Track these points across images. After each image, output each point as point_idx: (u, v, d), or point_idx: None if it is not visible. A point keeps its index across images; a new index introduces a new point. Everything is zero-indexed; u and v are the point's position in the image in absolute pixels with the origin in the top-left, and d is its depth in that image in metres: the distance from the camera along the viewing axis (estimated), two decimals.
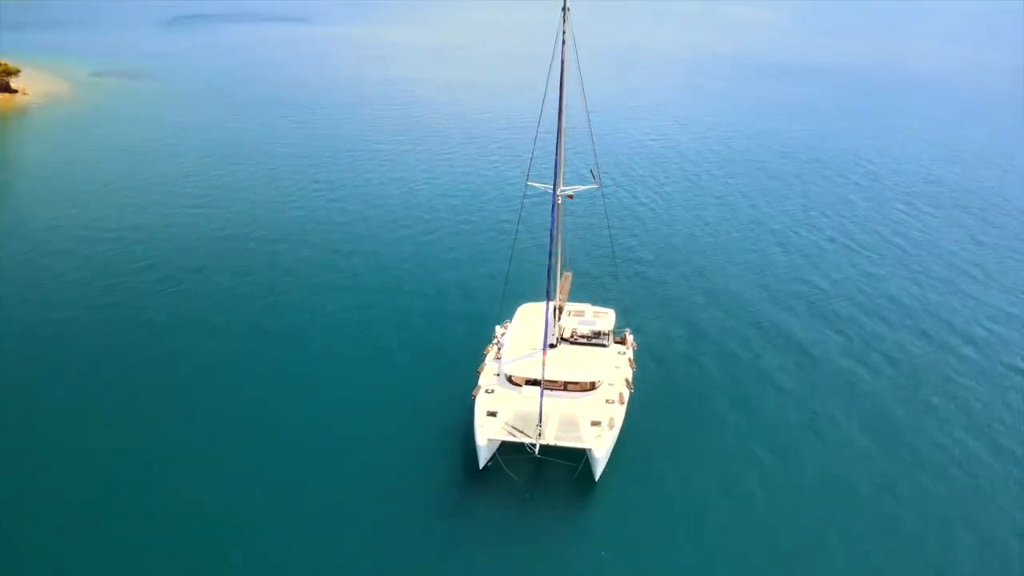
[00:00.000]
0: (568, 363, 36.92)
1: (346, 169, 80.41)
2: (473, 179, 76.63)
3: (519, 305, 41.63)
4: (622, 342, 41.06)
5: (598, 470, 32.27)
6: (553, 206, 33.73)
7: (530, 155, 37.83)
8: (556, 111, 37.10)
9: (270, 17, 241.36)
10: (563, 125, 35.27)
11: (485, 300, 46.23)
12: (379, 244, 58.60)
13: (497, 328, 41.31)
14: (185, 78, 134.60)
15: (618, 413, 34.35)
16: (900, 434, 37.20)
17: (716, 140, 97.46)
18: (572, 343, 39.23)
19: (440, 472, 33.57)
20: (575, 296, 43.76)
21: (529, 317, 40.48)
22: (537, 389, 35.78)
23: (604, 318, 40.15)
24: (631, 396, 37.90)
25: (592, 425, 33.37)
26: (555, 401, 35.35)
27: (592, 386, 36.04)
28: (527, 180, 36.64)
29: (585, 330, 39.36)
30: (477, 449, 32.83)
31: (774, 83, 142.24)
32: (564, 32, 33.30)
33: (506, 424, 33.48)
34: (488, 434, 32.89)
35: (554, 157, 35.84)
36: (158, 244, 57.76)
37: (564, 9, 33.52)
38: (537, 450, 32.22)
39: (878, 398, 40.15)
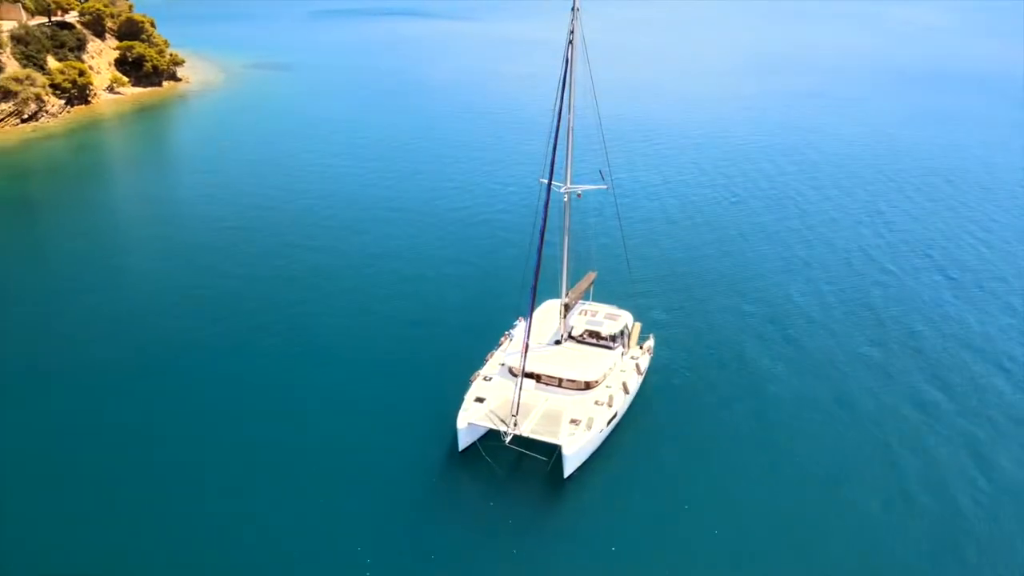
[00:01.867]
0: (566, 361, 37.15)
1: (432, 161, 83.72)
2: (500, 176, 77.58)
3: (541, 299, 42.03)
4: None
5: (567, 467, 32.40)
6: (546, 203, 34.06)
7: (549, 154, 38.04)
8: (588, 109, 37.71)
9: (408, 13, 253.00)
10: (572, 124, 35.59)
11: (507, 293, 46.70)
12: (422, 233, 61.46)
13: (518, 320, 42.08)
14: (324, 71, 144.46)
15: (601, 415, 34.18)
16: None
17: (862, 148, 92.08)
18: (579, 342, 39.34)
19: (423, 452, 34.86)
20: (599, 296, 43.65)
21: (546, 313, 41.06)
22: (531, 381, 36.54)
23: (616, 320, 39.83)
24: (632, 401, 37.64)
25: (571, 423, 33.53)
26: (545, 396, 35.87)
27: (587, 386, 36.07)
28: (540, 178, 37.03)
29: (593, 330, 39.31)
30: (457, 432, 33.97)
31: (939, 92, 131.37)
32: (572, 32, 33.51)
33: (490, 411, 34.34)
34: (468, 418, 33.93)
35: (568, 155, 36.33)
36: (278, 213, 66.61)
37: (574, 9, 33.73)
38: (508, 440, 32.84)
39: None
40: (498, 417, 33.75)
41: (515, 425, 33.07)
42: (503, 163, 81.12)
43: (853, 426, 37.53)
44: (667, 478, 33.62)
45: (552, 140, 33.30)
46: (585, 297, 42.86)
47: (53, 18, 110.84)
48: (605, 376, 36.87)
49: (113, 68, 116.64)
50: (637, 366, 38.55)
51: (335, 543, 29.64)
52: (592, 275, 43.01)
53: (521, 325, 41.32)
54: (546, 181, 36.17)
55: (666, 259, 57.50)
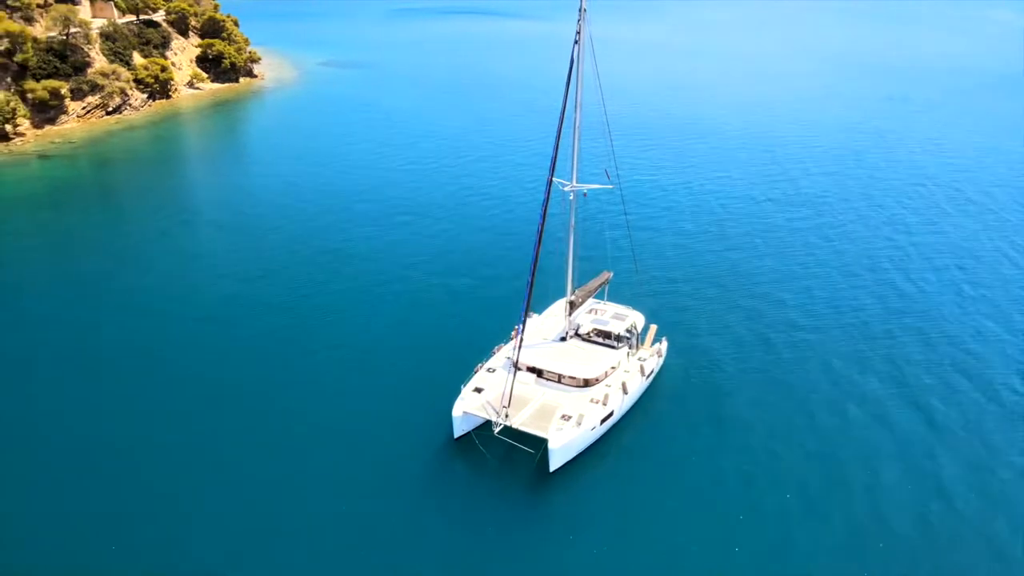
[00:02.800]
0: (568, 358, 37.61)
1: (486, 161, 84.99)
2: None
3: (549, 296, 42.57)
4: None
5: (553, 461, 32.90)
6: (546, 201, 34.56)
7: (567, 153, 38.42)
8: (597, 109, 38.12)
9: (483, 12, 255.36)
10: (578, 123, 35.96)
11: (522, 289, 46.94)
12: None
13: (530, 315, 42.66)
14: (395, 69, 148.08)
15: (594, 413, 34.48)
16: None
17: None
18: (585, 339, 39.66)
19: (421, 437, 36.03)
20: (614, 296, 43.77)
21: (558, 310, 41.59)
22: (532, 376, 37.18)
23: (623, 321, 39.94)
24: (635, 403, 37.71)
25: (562, 419, 33.99)
26: (543, 390, 36.47)
27: (585, 383, 36.41)
28: (551, 177, 37.43)
29: (598, 329, 39.55)
30: (452, 420, 34.93)
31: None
32: (579, 32, 33.91)
33: (486, 402, 35.16)
34: (463, 407, 34.88)
35: (574, 154, 36.71)
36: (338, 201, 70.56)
37: (581, 9, 34.12)
38: (498, 430, 33.62)
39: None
40: (492, 408, 34.53)
41: (506, 417, 33.80)
42: (528, 164, 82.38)
43: (857, 440, 36.53)
44: (655, 485, 33.51)
45: (556, 139, 33.82)
46: (599, 296, 43.11)
47: (141, 16, 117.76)
48: (606, 375, 37.10)
49: (194, 65, 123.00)
50: (642, 367, 38.50)
51: (322, 519, 31.03)
52: (606, 275, 43.19)
53: (531, 319, 42.02)
54: (559, 182, 36.74)
55: (683, 261, 57.18)
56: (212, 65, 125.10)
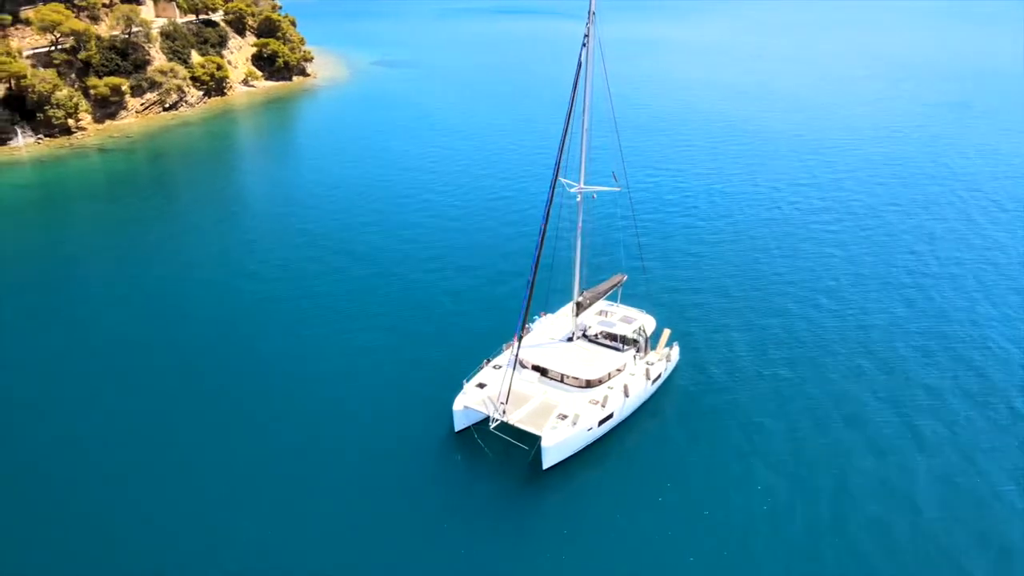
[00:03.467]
0: (572, 358, 37.86)
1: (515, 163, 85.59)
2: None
3: (562, 295, 42.82)
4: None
5: (546, 459, 33.26)
6: (549, 202, 34.93)
7: (578, 155, 38.68)
8: (606, 111, 38.36)
9: (538, 12, 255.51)
10: (586, 125, 36.22)
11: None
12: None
13: (540, 314, 43.10)
14: (443, 69, 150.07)
15: (591, 414, 34.70)
16: None
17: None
18: (591, 341, 39.87)
19: (423, 429, 36.78)
20: (628, 300, 43.77)
21: (569, 311, 41.86)
22: (536, 374, 37.64)
23: (630, 324, 39.90)
24: (639, 406, 37.76)
25: (558, 418, 34.32)
26: (545, 389, 36.87)
27: (587, 384, 36.65)
28: (562, 178, 37.70)
29: (605, 331, 39.68)
30: (453, 413, 35.67)
31: None
32: (587, 35, 34.19)
33: (487, 398, 35.73)
34: (464, 401, 35.56)
35: (582, 156, 36.99)
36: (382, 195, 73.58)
37: (591, 12, 34.37)
38: (494, 425, 34.22)
39: None
40: (491, 403, 35.09)
41: (503, 413, 34.34)
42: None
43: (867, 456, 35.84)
44: (650, 488, 33.38)
45: (561, 141, 34.19)
46: (612, 298, 43.21)
47: (200, 16, 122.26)
48: (610, 376, 37.25)
49: (249, 63, 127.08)
50: (647, 371, 38.43)
51: (318, 505, 32.12)
52: (619, 278, 43.22)
53: (542, 319, 42.47)
54: (569, 184, 37.11)
55: (703, 267, 56.64)
56: (267, 64, 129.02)
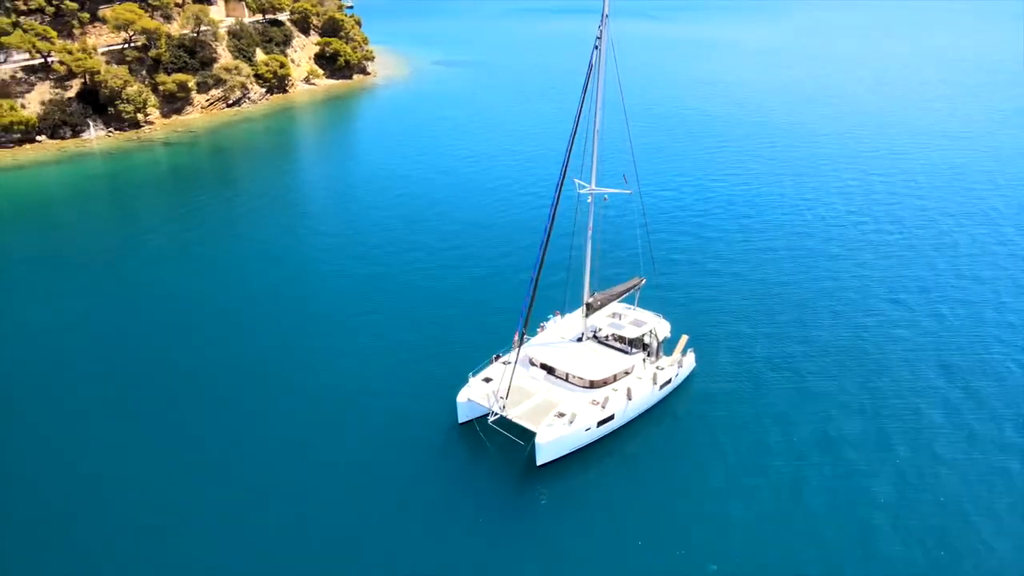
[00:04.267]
0: (578, 358, 38.10)
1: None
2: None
3: (576, 297, 42.99)
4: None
5: (540, 456, 33.64)
6: (555, 204, 35.22)
7: (588, 156, 38.86)
8: (620, 115, 38.51)
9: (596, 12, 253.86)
10: (597, 127, 36.40)
11: (551, 286, 47.32)
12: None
13: (554, 313, 43.42)
14: (502, 69, 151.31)
15: (590, 414, 34.89)
16: None
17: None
18: (601, 342, 40.00)
19: (430, 419, 37.64)
20: (646, 304, 43.59)
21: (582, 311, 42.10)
22: (543, 372, 38.08)
23: (640, 327, 39.76)
24: (645, 411, 37.74)
25: (556, 415, 34.67)
26: (549, 387, 37.27)
27: (591, 384, 36.87)
28: (576, 179, 37.95)
29: (613, 333, 39.70)
30: (456, 405, 36.47)
31: None
32: (600, 38, 34.38)
33: (490, 392, 36.33)
34: (468, 394, 36.33)
35: (593, 158, 37.19)
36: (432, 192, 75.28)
37: (604, 15, 34.54)
38: (492, 419, 34.83)
39: None
40: (493, 397, 35.69)
41: (503, 408, 34.91)
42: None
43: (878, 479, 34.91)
44: (646, 491, 33.37)
45: (569, 142, 34.52)
46: (629, 301, 43.17)
47: (267, 15, 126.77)
48: (615, 378, 37.33)
49: (312, 62, 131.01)
50: (655, 376, 38.28)
51: (317, 487, 33.36)
52: (637, 281, 43.02)
53: (556, 319, 42.83)
54: (579, 183, 37.36)
55: (725, 274, 55.76)
56: (328, 62, 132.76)
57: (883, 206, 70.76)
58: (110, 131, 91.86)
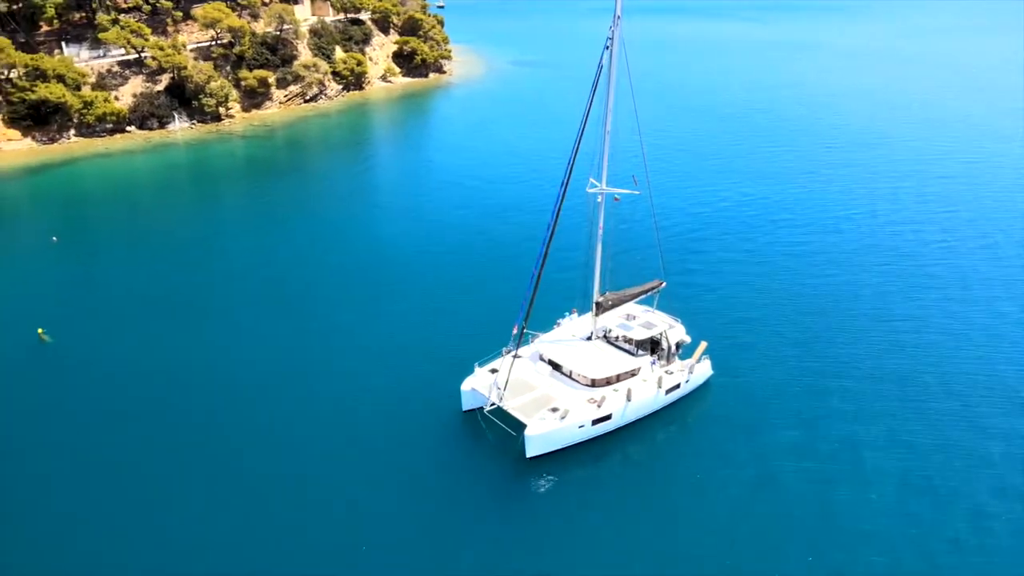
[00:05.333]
0: (583, 356, 38.48)
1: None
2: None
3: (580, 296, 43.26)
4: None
5: (529, 448, 34.27)
6: (559, 204, 35.65)
7: (598, 157, 39.08)
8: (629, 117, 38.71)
9: (691, 11, 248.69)
10: (608, 128, 36.64)
11: (570, 285, 47.04)
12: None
13: (571, 311, 43.80)
14: (579, 69, 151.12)
15: (583, 412, 35.23)
16: None
17: None
18: (609, 342, 40.18)
19: (435, 407, 38.84)
20: (667, 308, 43.41)
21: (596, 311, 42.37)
22: (549, 368, 38.72)
23: (648, 329, 39.55)
24: (649, 415, 37.83)
25: (550, 410, 35.21)
26: (552, 382, 37.88)
27: (592, 383, 37.20)
28: (591, 178, 38.29)
29: (622, 333, 39.74)
30: (461, 393, 37.67)
31: None
32: (611, 39, 34.63)
33: (493, 382, 37.19)
34: (471, 383, 37.43)
35: (604, 158, 37.47)
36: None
37: (616, 16, 34.73)
38: (488, 409, 35.87)
39: None
40: (494, 387, 36.58)
41: (500, 399, 35.76)
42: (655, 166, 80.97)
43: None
44: (632, 497, 33.28)
45: (576, 142, 35.00)
46: (648, 303, 43.11)
47: (349, 14, 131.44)
48: (619, 378, 37.50)
49: (390, 60, 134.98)
50: (660, 380, 38.12)
51: (316, 465, 35.10)
52: (656, 283, 42.74)
53: (572, 317, 43.27)
54: (592, 185, 37.78)
55: (753, 282, 54.44)
56: (406, 60, 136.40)
57: (937, 214, 67.37)
58: (193, 123, 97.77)
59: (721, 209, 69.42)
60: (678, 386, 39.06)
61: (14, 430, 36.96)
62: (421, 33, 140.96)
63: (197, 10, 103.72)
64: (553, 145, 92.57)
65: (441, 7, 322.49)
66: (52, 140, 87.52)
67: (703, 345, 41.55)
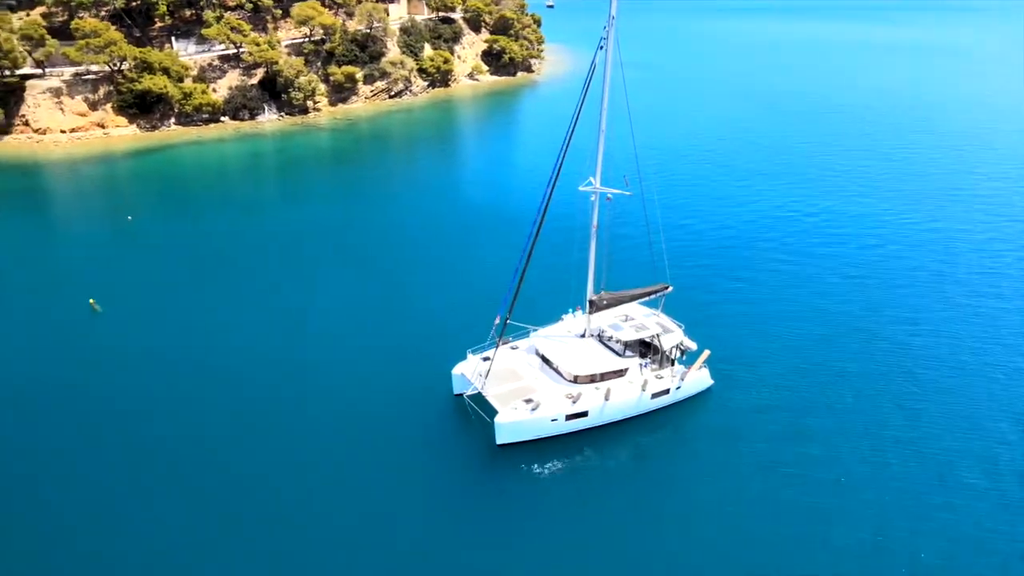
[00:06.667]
0: (570, 352, 38.86)
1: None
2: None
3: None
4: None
5: (498, 435, 35.19)
6: (546, 204, 36.15)
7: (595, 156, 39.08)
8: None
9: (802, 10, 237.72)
10: (603, 128, 36.89)
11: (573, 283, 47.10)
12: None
13: (576, 309, 44.16)
14: (680, 72, 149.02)
15: (557, 406, 35.74)
16: None
17: None
18: (601, 341, 40.30)
19: (431, 388, 40.31)
20: (675, 314, 42.98)
21: (599, 311, 42.53)
22: (539, 360, 39.48)
23: (639, 332, 39.22)
24: (619, 412, 37.79)
25: (524, 401, 35.92)
26: (538, 375, 38.59)
27: (575, 379, 37.62)
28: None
29: (611, 333, 39.69)
30: (452, 377, 39.12)
31: None
32: (605, 39, 34.87)
33: (476, 369, 38.27)
34: (462, 368, 38.82)
35: (599, 158, 37.76)
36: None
37: (611, 17, 34.89)
38: (468, 393, 37.34)
39: None
40: (477, 375, 37.70)
41: (483, 386, 36.86)
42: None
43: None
44: (596, 495, 33.39)
45: (565, 142, 35.52)
46: (653, 305, 42.86)
47: (440, 13, 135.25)
48: (603, 377, 37.69)
49: (478, 58, 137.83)
50: (645, 383, 37.93)
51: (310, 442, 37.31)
52: (661, 287, 42.18)
53: (574, 314, 43.63)
54: (586, 184, 38.22)
55: (762, 295, 52.56)
56: (495, 59, 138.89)
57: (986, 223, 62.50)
58: (281, 115, 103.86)
59: (754, 218, 67.28)
60: (667, 392, 38.72)
61: (55, 390, 40.97)
62: (512, 32, 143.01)
63: (294, 8, 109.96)
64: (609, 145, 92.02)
65: (550, 6, 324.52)
66: (154, 127, 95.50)
67: (706, 354, 40.95)
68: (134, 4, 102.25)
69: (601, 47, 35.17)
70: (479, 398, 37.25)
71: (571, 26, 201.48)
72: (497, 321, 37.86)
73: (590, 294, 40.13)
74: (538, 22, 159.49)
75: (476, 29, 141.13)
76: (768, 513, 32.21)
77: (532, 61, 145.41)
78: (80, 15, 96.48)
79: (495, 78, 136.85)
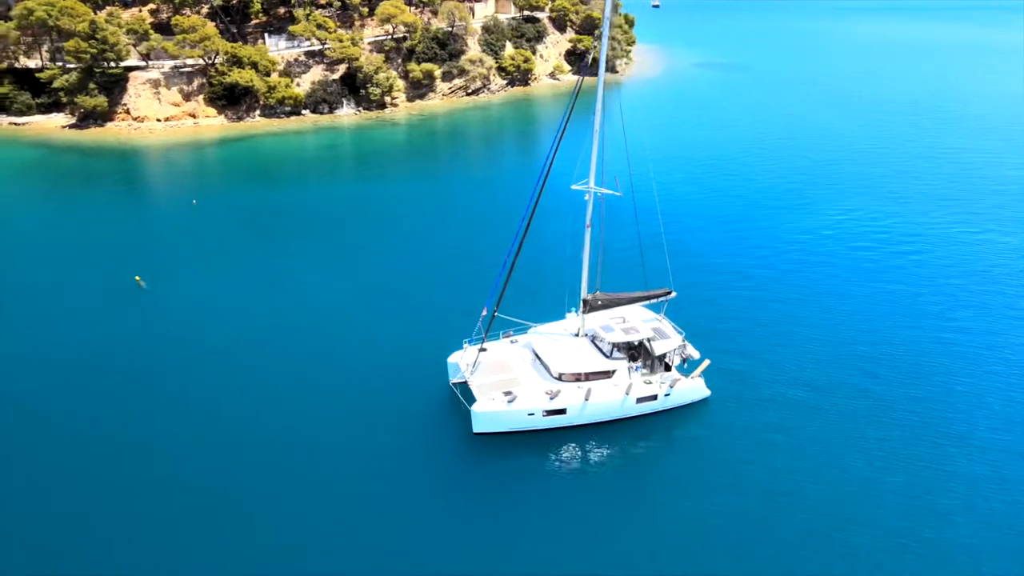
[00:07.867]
0: (559, 350, 39.09)
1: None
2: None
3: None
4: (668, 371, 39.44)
5: (475, 424, 35.90)
6: (535, 204, 36.46)
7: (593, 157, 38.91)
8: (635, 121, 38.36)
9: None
10: (597, 127, 36.96)
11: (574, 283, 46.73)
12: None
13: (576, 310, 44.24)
14: (772, 74, 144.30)
15: (534, 399, 36.07)
16: None
17: None
18: (593, 341, 40.26)
19: (428, 378, 41.38)
20: (680, 321, 42.39)
21: (602, 312, 42.53)
22: (531, 355, 40.05)
23: (629, 335, 38.78)
24: (601, 414, 37.66)
25: (503, 393, 36.49)
26: (527, 369, 39.07)
27: (560, 376, 37.90)
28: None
29: (600, 334, 39.50)
30: (448, 365, 40.18)
31: None
32: (598, 39, 34.91)
33: (474, 361, 39.13)
34: (456, 357, 39.84)
35: (593, 158, 37.87)
36: None
37: (606, 17, 34.87)
38: (453, 381, 38.61)
39: None
40: (466, 364, 38.64)
41: (470, 375, 37.85)
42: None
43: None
44: (566, 494, 33.46)
45: (556, 142, 35.89)
46: (656, 309, 42.44)
47: (527, 12, 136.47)
48: (587, 377, 37.75)
49: (561, 58, 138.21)
50: (630, 387, 37.52)
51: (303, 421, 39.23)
52: (660, 292, 41.64)
53: (576, 313, 43.71)
54: (580, 185, 38.48)
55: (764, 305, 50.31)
56: (578, 59, 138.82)
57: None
58: (359, 110, 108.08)
59: (773, 225, 64.51)
60: (654, 398, 38.24)
61: (98, 359, 44.76)
62: (597, 32, 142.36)
63: (379, 6, 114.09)
64: (701, 152, 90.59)
65: (656, 6, 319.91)
66: (240, 119, 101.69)
67: (705, 364, 40.23)
68: (232, 2, 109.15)
69: (594, 46, 35.12)
70: (459, 387, 38.16)
71: (677, 25, 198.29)
72: (484, 313, 38.61)
73: (584, 293, 40.18)
74: (631, 23, 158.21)
75: (561, 29, 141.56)
76: (725, 529, 31.46)
77: (617, 62, 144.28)
78: (183, 12, 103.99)
79: (575, 78, 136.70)
